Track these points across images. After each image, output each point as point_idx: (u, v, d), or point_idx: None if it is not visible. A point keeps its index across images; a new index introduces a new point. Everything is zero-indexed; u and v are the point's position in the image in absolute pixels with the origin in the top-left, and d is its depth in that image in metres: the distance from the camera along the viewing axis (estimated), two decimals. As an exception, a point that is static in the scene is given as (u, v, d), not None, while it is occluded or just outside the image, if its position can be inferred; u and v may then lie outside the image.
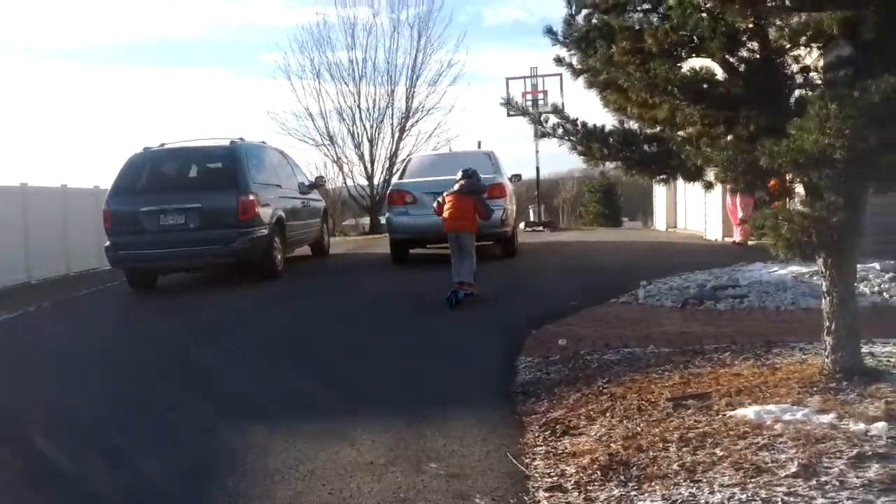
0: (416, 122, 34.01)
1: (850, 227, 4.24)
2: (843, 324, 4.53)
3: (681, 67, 4.69)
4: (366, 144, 34.78)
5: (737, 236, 13.26)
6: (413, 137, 33.67)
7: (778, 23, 4.15)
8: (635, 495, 3.54)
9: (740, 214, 12.85)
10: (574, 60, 5.64)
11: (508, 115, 21.32)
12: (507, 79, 20.64)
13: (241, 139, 12.19)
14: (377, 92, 33.36)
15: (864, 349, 4.99)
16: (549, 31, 5.78)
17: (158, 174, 11.36)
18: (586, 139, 5.17)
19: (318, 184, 15.90)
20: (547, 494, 3.73)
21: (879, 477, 3.36)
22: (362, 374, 6.17)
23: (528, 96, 20.39)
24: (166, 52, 79.60)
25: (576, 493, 3.67)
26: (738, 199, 12.83)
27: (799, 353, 5.41)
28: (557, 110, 5.71)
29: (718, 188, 13.62)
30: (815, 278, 8.13)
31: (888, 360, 4.99)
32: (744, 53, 4.49)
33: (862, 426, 3.86)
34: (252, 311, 9.31)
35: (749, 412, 4.20)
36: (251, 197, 10.86)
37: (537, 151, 21.20)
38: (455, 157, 13.39)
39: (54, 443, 4.93)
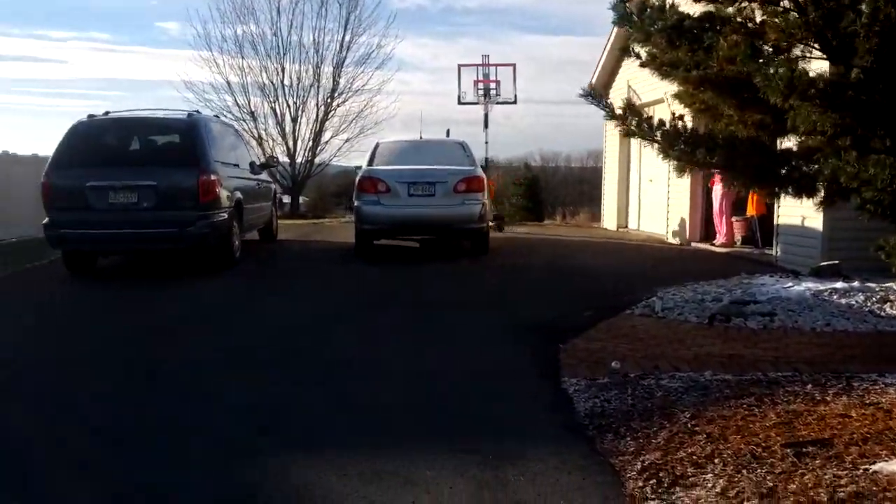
0: (343, 102, 32.92)
1: None
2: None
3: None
4: (288, 122, 33.51)
5: (720, 239, 12.89)
6: (339, 118, 32.60)
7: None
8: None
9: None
10: (656, 52, 5.04)
11: (460, 102, 20.79)
12: (460, 65, 19.97)
13: (198, 111, 11.14)
14: (301, 69, 32.16)
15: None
16: (624, 18, 5.14)
17: (106, 146, 10.20)
18: (685, 144, 4.54)
19: (270, 164, 14.97)
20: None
21: None
22: (386, 393, 5.38)
23: (480, 85, 19.75)
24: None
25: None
26: (723, 204, 12.53)
27: (893, 391, 4.93)
28: (634, 109, 5.09)
29: (682, 188, 13.41)
30: (835, 297, 7.79)
31: None
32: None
33: None
34: (226, 308, 8.39)
35: (899, 469, 3.66)
36: (213, 177, 9.88)
37: (486, 142, 20.60)
38: (426, 145, 12.69)
39: None
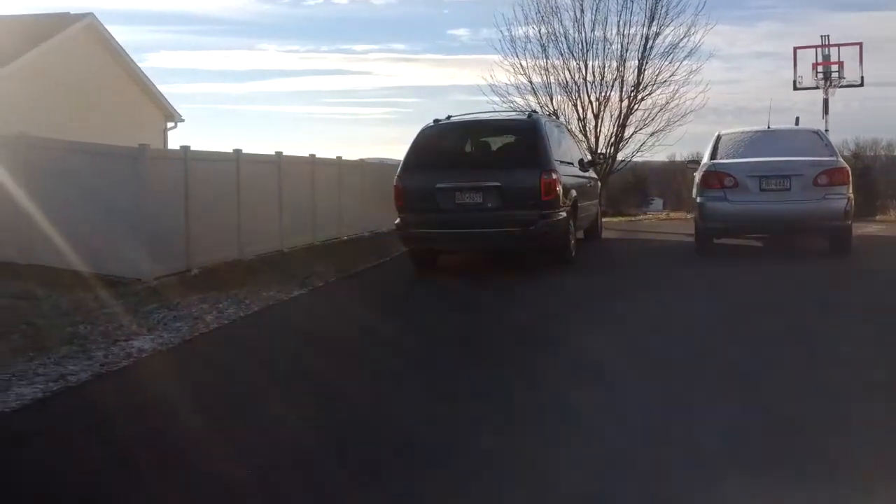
0: (647, 95, 31.64)
1: None
2: None
3: None
4: (590, 119, 32.93)
5: None
6: (642, 111, 31.36)
7: None
8: None
9: None
10: None
11: (796, 87, 19.19)
12: (796, 48, 18.37)
13: (535, 112, 11.09)
14: (604, 65, 31.34)
15: None
16: None
17: (452, 149, 10.53)
18: None
19: (597, 161, 14.70)
20: None
21: None
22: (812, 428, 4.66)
23: (820, 68, 18.05)
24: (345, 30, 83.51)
25: None
26: None
27: None
28: None
29: None
30: None
31: None
32: None
33: None
34: (593, 305, 8.17)
35: None
36: (553, 176, 9.77)
37: (827, 130, 18.71)
38: (776, 135, 11.67)
39: None
